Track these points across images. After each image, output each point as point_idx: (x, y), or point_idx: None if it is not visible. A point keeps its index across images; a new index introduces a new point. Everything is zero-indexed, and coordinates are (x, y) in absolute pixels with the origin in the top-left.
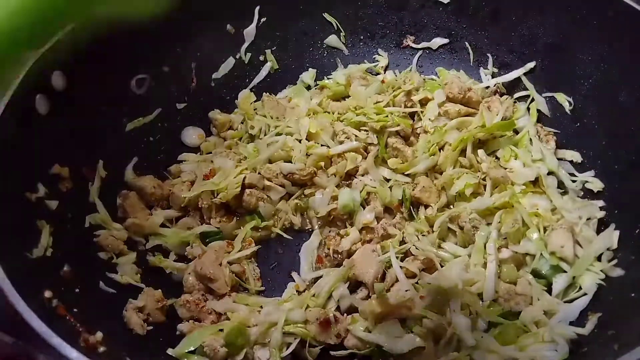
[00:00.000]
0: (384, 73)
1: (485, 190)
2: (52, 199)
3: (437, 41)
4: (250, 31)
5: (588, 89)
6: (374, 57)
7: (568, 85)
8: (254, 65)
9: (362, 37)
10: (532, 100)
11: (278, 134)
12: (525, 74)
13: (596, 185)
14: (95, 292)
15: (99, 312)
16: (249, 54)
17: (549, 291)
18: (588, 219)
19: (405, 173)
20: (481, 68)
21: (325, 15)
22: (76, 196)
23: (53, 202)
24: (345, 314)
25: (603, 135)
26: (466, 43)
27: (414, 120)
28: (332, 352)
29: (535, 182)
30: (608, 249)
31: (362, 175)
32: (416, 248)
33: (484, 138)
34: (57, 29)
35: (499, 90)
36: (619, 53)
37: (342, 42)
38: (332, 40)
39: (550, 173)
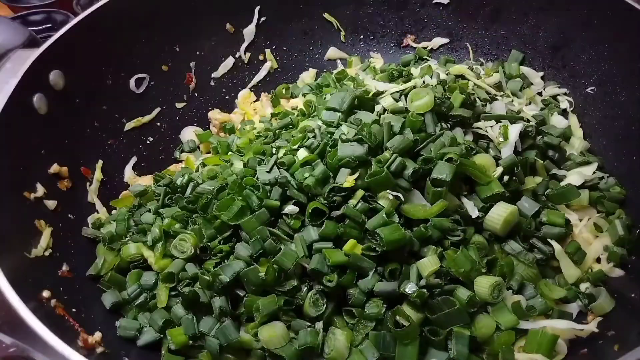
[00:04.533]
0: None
1: None
2: (50, 198)
3: (438, 41)
4: (249, 30)
5: (588, 89)
6: (368, 59)
7: (568, 85)
8: (254, 64)
9: (362, 37)
10: None
11: None
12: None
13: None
14: (93, 292)
15: (97, 312)
16: (248, 54)
17: None
18: (588, 219)
19: None
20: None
21: (325, 15)
22: (75, 196)
23: (52, 202)
24: None
25: (603, 135)
26: (466, 43)
27: None
28: None
29: None
30: (607, 250)
31: None
32: None
33: None
34: None
35: None
36: (619, 53)
37: (342, 43)
38: (332, 54)
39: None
